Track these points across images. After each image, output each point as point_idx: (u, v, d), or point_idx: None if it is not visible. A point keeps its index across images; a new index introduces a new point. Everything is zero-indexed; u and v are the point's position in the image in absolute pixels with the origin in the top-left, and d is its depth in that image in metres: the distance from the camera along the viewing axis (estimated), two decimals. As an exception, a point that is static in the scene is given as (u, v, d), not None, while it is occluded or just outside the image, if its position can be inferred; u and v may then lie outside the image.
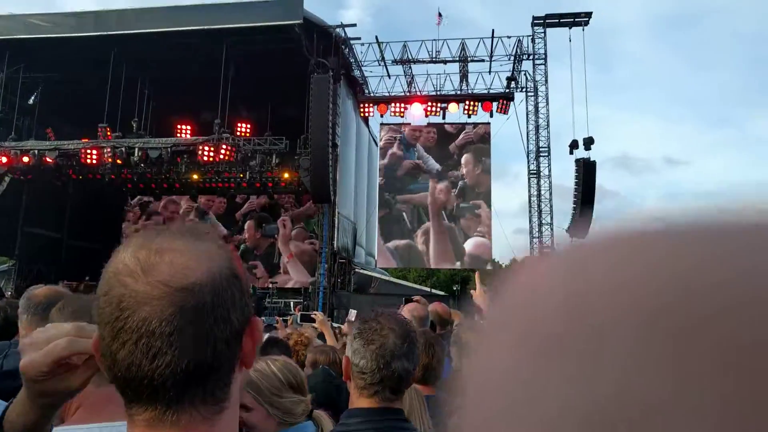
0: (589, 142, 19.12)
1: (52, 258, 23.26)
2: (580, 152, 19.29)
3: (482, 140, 21.54)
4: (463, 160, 21.44)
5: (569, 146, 19.47)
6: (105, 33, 18.73)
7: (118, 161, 19.30)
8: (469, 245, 21.00)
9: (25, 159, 19.39)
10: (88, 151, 19.09)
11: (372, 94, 21.93)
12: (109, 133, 19.25)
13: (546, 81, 20.63)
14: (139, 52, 19.24)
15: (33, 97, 22.12)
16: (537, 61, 20.67)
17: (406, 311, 3.89)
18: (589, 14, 20.14)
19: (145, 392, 0.69)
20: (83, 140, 19.62)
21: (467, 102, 20.62)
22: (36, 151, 19.39)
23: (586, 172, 18.92)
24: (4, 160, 19.46)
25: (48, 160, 19.51)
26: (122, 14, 19.36)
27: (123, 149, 18.85)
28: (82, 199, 24.16)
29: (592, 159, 19.12)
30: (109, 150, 18.90)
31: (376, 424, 1.64)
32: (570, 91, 19.86)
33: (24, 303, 2.28)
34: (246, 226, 24.84)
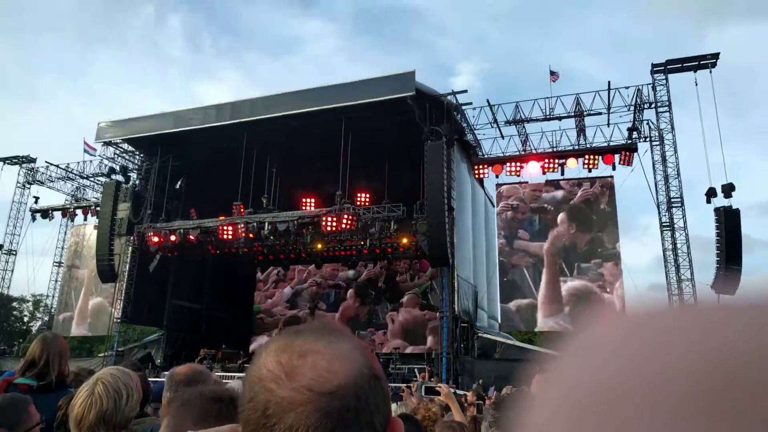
0: (729, 189, 17.53)
1: (193, 327, 25.26)
2: (719, 200, 17.73)
3: (598, 197, 20.47)
4: (558, 218, 20.51)
5: (705, 195, 17.97)
6: (238, 121, 20.78)
7: (251, 235, 20.82)
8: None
9: (173, 238, 21.58)
10: (225, 227, 20.83)
11: (486, 156, 21.98)
12: (242, 210, 20.92)
13: (672, 128, 19.47)
14: (267, 135, 21.03)
15: (179, 182, 24.79)
16: (660, 109, 19.65)
17: (534, 384, 3.64)
18: (716, 56, 18.98)
19: None
20: (220, 218, 21.50)
21: (587, 156, 19.94)
22: (182, 230, 21.53)
23: (729, 221, 17.25)
24: (156, 239, 21.80)
25: (191, 237, 21.54)
26: (253, 103, 21.40)
27: (255, 224, 20.35)
28: (218, 272, 26.26)
29: (734, 207, 17.47)
30: (242, 225, 20.49)
31: None
32: (701, 137, 18.50)
33: (168, 381, 2.48)
34: (348, 295, 25.76)
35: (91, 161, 25.98)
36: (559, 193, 20.82)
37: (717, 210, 17.60)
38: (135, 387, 2.22)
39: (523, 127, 21.02)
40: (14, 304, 39.70)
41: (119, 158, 24.74)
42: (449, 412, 4.60)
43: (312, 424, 0.66)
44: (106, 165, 24.91)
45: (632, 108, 19.82)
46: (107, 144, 23.96)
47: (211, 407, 1.44)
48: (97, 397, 2.02)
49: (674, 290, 18.58)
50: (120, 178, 23.95)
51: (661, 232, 19.20)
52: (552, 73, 21.09)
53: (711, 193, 17.84)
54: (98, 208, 23.65)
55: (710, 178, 18.33)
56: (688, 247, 18.71)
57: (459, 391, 10.75)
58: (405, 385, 8.92)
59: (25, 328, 40.27)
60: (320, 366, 0.70)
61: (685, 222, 18.93)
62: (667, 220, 19.10)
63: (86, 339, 29.58)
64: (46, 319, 33.37)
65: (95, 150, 25.06)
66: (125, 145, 24.33)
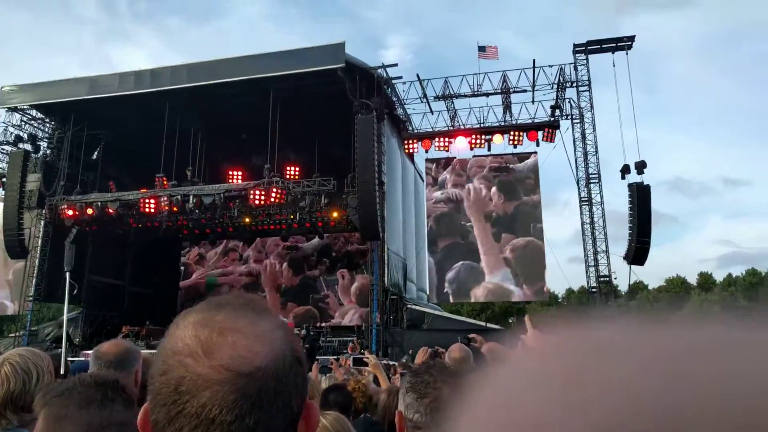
0: (641, 166, 18.62)
1: (114, 304, 24.19)
2: (632, 177, 18.83)
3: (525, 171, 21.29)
4: (492, 190, 21.34)
5: (620, 171, 19.02)
6: (159, 89, 19.78)
7: (174, 209, 20.07)
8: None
9: (89, 211, 20.45)
10: (147, 200, 19.95)
11: (416, 131, 22.17)
12: (165, 183, 20.09)
13: (591, 107, 20.36)
14: (190, 105, 20.17)
15: (96, 153, 23.42)
16: (581, 88, 20.48)
17: (447, 354, 3.81)
18: (631, 38, 19.91)
19: None
20: (142, 190, 20.55)
21: (512, 132, 20.54)
22: (99, 203, 20.42)
23: (641, 196, 18.38)
24: (71, 213, 20.58)
25: (110, 211, 20.48)
26: (175, 70, 20.41)
27: (178, 197, 19.62)
28: (141, 246, 25.22)
29: (645, 183, 18.60)
30: (165, 198, 19.70)
31: None
32: (617, 116, 19.53)
33: (93, 360, 2.35)
34: (283, 268, 25.90)
35: (-7, 129, 23.98)
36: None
37: (630, 186, 18.69)
38: (46, 368, 2.10)
39: (452, 102, 21.35)
40: None
41: (27, 126, 22.99)
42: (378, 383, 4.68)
43: (227, 405, 0.63)
44: (11, 133, 23.06)
45: (555, 86, 20.55)
46: (12, 110, 22.19)
47: (94, 393, 1.37)
48: (4, 378, 1.91)
49: (591, 262, 19.67)
50: (28, 147, 22.29)
51: (580, 206, 20.19)
52: (480, 48, 21.35)
53: (625, 170, 18.90)
54: (4, 180, 21.97)
55: (625, 155, 19.36)
56: (604, 221, 19.82)
57: (392, 362, 10.98)
58: (334, 357, 9.00)
59: None
60: (240, 345, 0.66)
61: (601, 197, 20.00)
62: (586, 196, 20.09)
63: (-6, 319, 27.76)
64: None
65: (-2, 116, 23.14)
66: (33, 112, 22.63)
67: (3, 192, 22.01)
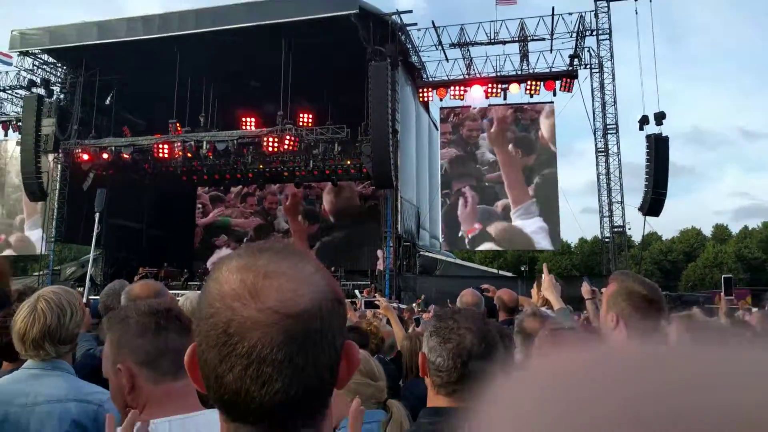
0: (660, 117, 18.26)
1: (133, 246, 24.66)
2: (651, 128, 18.51)
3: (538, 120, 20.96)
4: (509, 146, 21.12)
5: (639, 122, 18.68)
6: (167, 34, 19.49)
7: (188, 154, 20.17)
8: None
9: (105, 156, 20.63)
10: (160, 146, 20.03)
11: (430, 79, 21.77)
12: (179, 128, 20.09)
13: (611, 56, 19.83)
14: (200, 51, 19.87)
15: (109, 98, 23.37)
16: (601, 37, 19.89)
17: (459, 298, 3.91)
18: (657, -18, 19.12)
19: (251, 416, 0.69)
20: (156, 136, 20.59)
21: (529, 82, 20.12)
22: (113, 148, 20.55)
23: (658, 148, 18.11)
24: (86, 157, 20.77)
25: (125, 156, 20.63)
26: (183, 15, 20.04)
27: (192, 143, 19.66)
28: (157, 191, 25.49)
29: (664, 134, 18.28)
30: (179, 144, 19.76)
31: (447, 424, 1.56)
32: (638, 66, 19.06)
33: (124, 302, 2.45)
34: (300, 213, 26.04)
35: (6, 72, 23.94)
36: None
37: (648, 137, 18.40)
38: (79, 305, 2.21)
39: (468, 50, 20.85)
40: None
41: (39, 70, 22.90)
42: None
43: (276, 345, 0.66)
44: (24, 77, 23.03)
45: (575, 35, 19.95)
46: (24, 54, 22.07)
47: (148, 321, 1.44)
48: (40, 313, 2.01)
49: (605, 212, 19.64)
50: (41, 91, 22.29)
51: (596, 157, 19.98)
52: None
53: (644, 121, 18.54)
54: (20, 124, 22.09)
55: (644, 106, 18.98)
56: (620, 173, 19.65)
57: (402, 305, 11.25)
58: (349, 300, 9.21)
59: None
60: (286, 288, 0.69)
61: (618, 148, 19.76)
62: (603, 146, 19.84)
63: (19, 258, 28.58)
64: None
65: (11, 58, 23.01)
66: (45, 56, 22.49)
67: (19, 136, 22.18)
